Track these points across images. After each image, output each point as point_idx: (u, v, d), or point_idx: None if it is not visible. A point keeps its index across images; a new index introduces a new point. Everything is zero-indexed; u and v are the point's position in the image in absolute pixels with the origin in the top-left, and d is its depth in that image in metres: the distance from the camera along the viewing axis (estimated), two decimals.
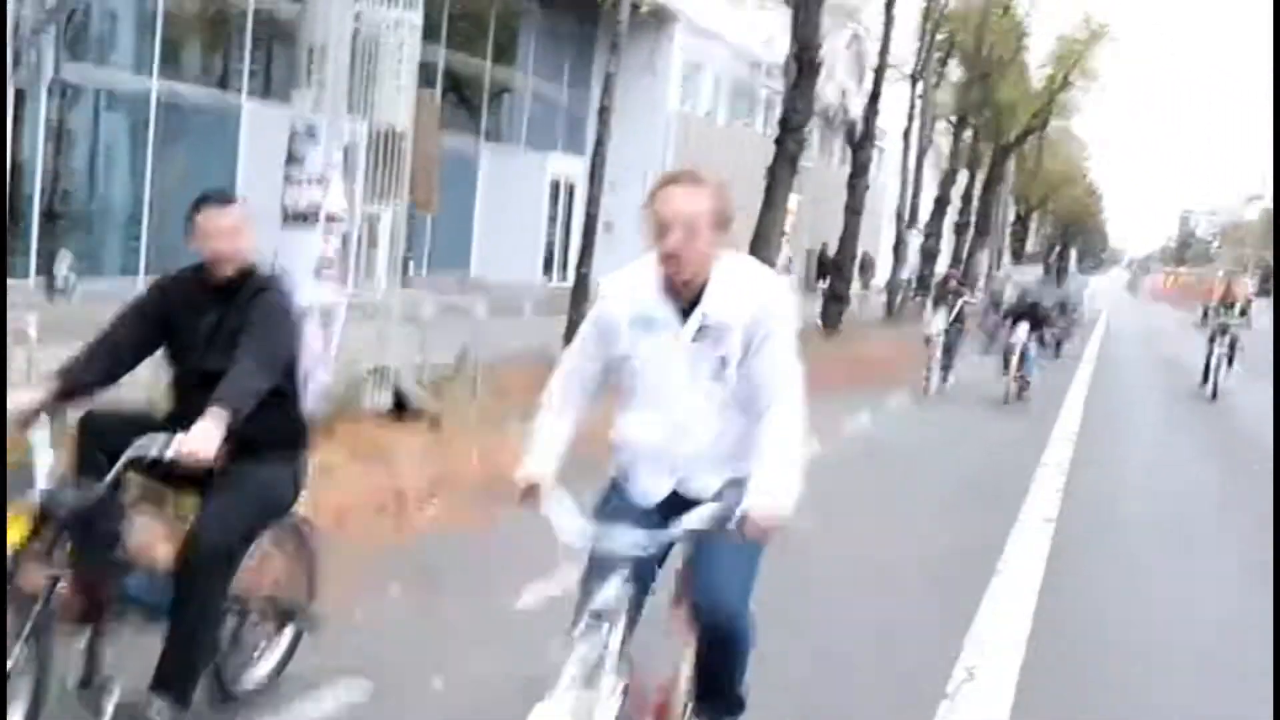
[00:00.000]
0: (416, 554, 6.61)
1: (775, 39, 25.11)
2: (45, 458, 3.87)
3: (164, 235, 17.99)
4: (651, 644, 3.65)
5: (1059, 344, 24.42)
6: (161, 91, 19.67)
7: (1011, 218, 64.87)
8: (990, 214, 49.11)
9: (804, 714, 4.90)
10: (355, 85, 9.17)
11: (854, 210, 26.72)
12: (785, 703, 4.93)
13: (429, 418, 9.66)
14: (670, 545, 3.49)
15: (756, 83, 40.51)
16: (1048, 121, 49.17)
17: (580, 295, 14.31)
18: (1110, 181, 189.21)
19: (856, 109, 27.67)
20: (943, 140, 41.60)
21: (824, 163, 43.30)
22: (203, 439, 3.79)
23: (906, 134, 33.94)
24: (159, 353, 4.36)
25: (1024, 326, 16.27)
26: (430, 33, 13.83)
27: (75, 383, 4.13)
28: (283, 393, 4.23)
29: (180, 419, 4.00)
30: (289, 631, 4.65)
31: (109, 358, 4.23)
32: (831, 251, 29.49)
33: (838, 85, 27.34)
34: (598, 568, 3.35)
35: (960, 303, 17.33)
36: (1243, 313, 19.08)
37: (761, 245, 20.38)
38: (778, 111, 21.26)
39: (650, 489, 3.63)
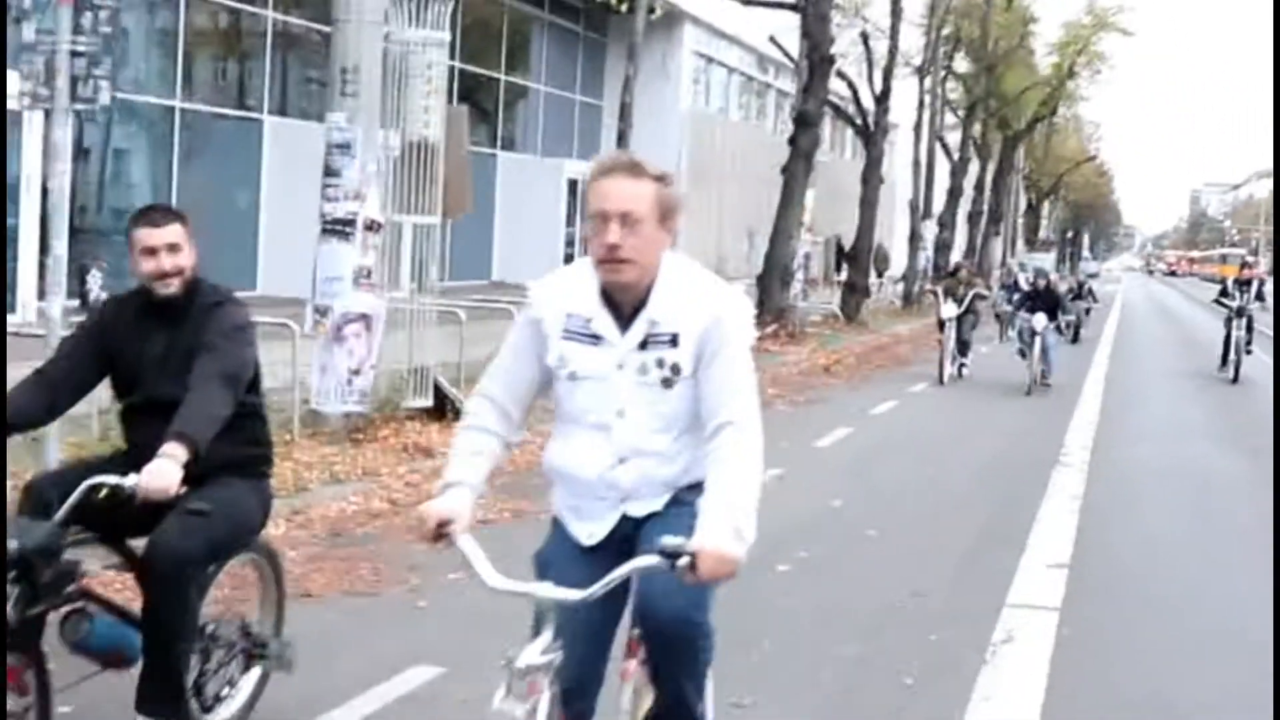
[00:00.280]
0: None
1: (784, 36, 25.36)
2: None
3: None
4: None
5: (1077, 330, 24.66)
6: (184, 108, 20.02)
7: (1024, 205, 65.04)
8: (1002, 202, 49.39)
9: (847, 685, 5.20)
10: (387, 101, 9.54)
11: (868, 203, 27.12)
12: (829, 671, 5.24)
13: None
14: (625, 588, 3.02)
15: (767, 79, 40.86)
16: (1056, 109, 49.44)
17: None
18: (1122, 160, 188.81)
19: (867, 103, 27.95)
20: (951, 133, 41.80)
21: (836, 155, 43.61)
22: (160, 477, 3.49)
23: (917, 127, 34.24)
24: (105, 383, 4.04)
25: (1042, 316, 16.39)
26: None
27: (14, 417, 3.79)
28: (245, 413, 3.93)
29: (136, 457, 3.69)
30: (256, 671, 4.29)
31: (49, 391, 3.91)
32: (846, 244, 29.79)
33: (848, 80, 27.58)
34: (536, 620, 2.91)
35: (972, 294, 17.45)
36: (1259, 296, 19.26)
37: (781, 240, 20.72)
38: (788, 108, 21.54)
39: (595, 528, 3.18)
